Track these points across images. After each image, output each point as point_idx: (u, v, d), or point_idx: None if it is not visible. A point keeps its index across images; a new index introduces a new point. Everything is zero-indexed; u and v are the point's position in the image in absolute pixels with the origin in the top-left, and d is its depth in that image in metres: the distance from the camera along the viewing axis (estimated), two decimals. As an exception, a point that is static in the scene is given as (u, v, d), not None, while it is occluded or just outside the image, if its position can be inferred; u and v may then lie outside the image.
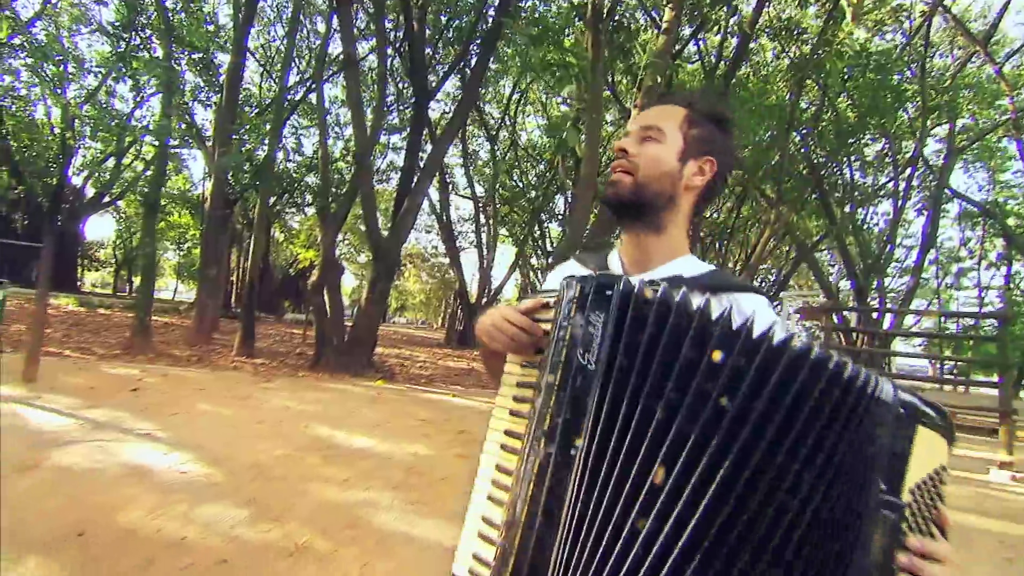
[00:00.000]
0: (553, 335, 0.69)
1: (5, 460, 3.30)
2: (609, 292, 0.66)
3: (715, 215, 24.00)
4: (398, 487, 3.68)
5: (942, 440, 0.59)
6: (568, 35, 9.10)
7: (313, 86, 16.83)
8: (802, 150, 15.15)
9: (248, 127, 13.09)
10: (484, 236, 20.34)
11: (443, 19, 13.00)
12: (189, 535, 2.68)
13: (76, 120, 17.90)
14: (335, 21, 11.61)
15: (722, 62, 14.04)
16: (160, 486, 3.25)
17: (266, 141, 14.34)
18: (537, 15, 9.79)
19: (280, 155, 15.15)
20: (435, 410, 6.73)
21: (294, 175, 18.56)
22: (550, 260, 22.92)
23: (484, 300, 18.72)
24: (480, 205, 20.34)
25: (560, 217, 21.02)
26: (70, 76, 16.59)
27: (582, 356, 0.65)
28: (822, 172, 15.29)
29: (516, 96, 19.11)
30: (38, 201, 21.76)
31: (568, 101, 17.10)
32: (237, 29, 11.42)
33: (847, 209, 18.10)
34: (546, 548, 0.62)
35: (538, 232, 21.88)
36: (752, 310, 0.73)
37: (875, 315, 17.27)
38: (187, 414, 5.04)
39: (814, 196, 16.38)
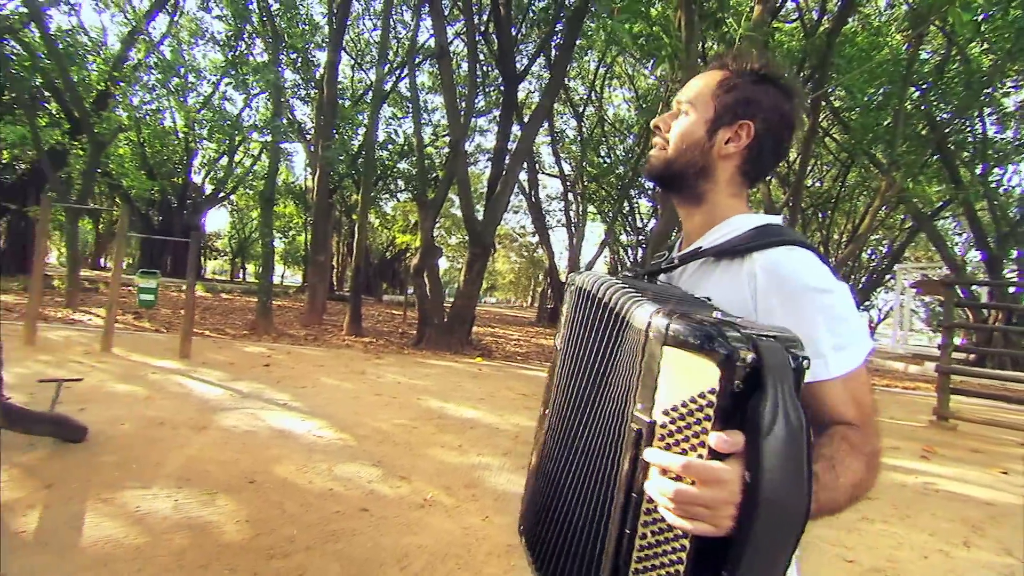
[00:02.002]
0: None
1: (183, 421, 3.92)
2: (572, 286, 0.86)
3: (818, 184, 22.34)
4: (507, 453, 3.94)
5: (710, 364, 0.55)
6: (654, 4, 8.80)
7: (401, 75, 17.55)
8: (921, 107, 13.66)
9: (344, 119, 13.90)
10: (572, 214, 20.30)
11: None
12: (334, 488, 3.08)
13: (195, 124, 19.84)
14: (424, 10, 12.01)
15: (825, 17, 12.97)
16: (303, 447, 3.71)
17: (360, 131, 15.24)
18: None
19: (377, 143, 15.95)
20: (533, 385, 6.99)
21: (387, 163, 19.46)
22: (639, 237, 22.48)
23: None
24: (568, 183, 20.27)
25: (651, 192, 20.49)
26: (190, 85, 18.36)
27: (557, 339, 0.90)
28: (946, 130, 13.72)
29: (602, 71, 18.72)
30: (169, 199, 24.49)
31: (660, 80, 16.51)
32: (333, 27, 12.10)
33: (978, 171, 16.14)
34: (536, 474, 0.91)
35: (627, 208, 21.47)
36: (758, 268, 0.76)
37: (1012, 289, 15.43)
38: (314, 387, 5.62)
39: (935, 158, 14.79)
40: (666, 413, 0.58)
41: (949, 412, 6.22)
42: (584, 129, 19.52)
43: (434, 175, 17.60)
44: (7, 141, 11.89)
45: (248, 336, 9.18)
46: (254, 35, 14.38)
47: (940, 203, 18.72)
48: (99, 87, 13.18)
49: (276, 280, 42.71)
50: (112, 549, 2.22)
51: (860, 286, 25.28)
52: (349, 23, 18.14)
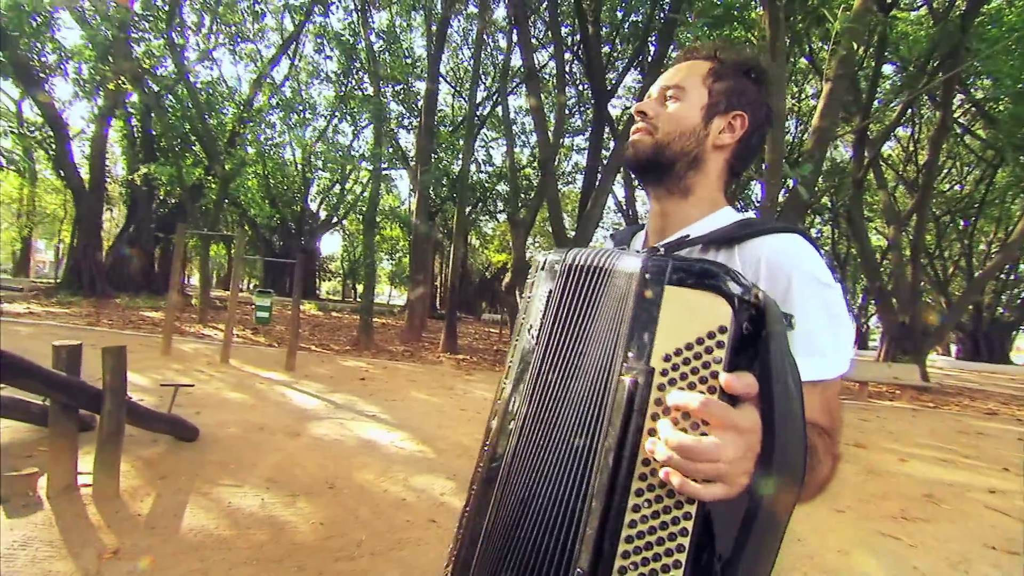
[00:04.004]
0: (520, 311, 0.76)
1: (280, 427, 4.22)
2: (557, 267, 0.70)
3: (957, 187, 19.79)
4: (585, 474, 3.81)
5: (719, 301, 0.52)
6: (756, 7, 8.35)
7: (498, 99, 18.15)
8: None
9: (444, 145, 14.59)
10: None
11: (619, 14, 12.94)
12: (407, 498, 3.13)
13: (311, 156, 21.82)
14: (515, 35, 12.36)
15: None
16: (385, 457, 3.84)
17: (460, 156, 15.91)
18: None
19: (472, 167, 16.57)
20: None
21: (486, 185, 20.11)
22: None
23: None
24: (666, 197, 19.72)
25: (757, 203, 19.33)
26: (307, 120, 20.25)
27: (529, 328, 0.70)
28: None
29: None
30: (288, 225, 27.02)
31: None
32: (431, 59, 12.80)
33: None
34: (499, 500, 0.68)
35: (726, 221, 20.43)
36: (761, 254, 0.70)
37: None
38: (404, 400, 5.83)
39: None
40: (666, 359, 0.53)
41: None
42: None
43: (529, 195, 17.87)
44: (162, 180, 13.79)
45: (350, 352, 9.76)
46: (362, 71, 15.59)
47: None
48: (231, 128, 14.93)
49: (383, 300, 45.43)
50: (203, 538, 2.41)
51: (1017, 303, 21.94)
52: (448, 53, 19.15)
